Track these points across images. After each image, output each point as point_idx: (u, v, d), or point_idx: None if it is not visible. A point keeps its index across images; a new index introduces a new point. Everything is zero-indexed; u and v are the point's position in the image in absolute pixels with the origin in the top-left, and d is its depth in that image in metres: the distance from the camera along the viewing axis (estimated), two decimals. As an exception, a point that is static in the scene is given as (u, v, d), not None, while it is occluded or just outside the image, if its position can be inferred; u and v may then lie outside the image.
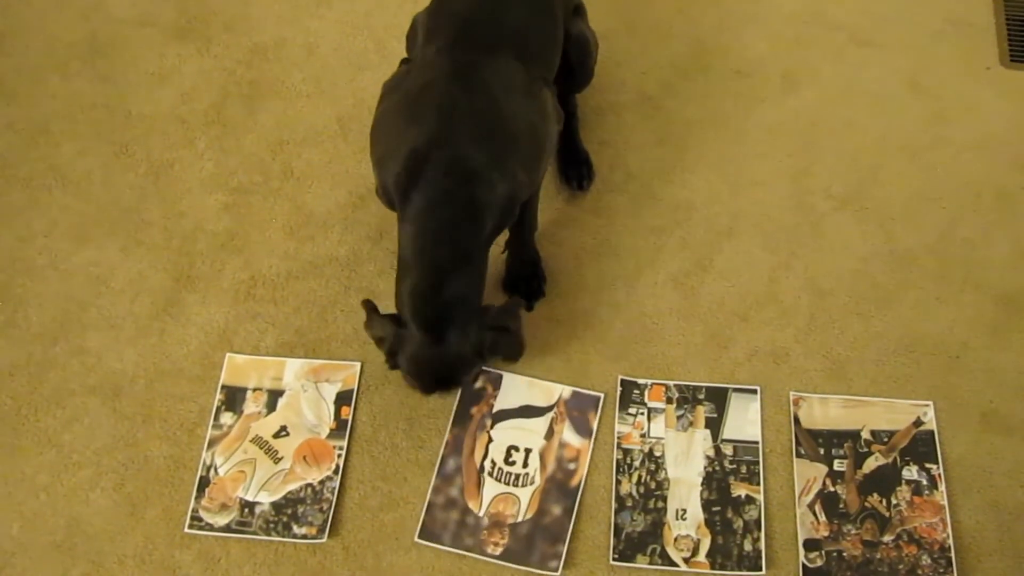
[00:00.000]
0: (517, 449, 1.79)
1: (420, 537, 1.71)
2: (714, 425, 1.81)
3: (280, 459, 1.78)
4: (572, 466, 1.77)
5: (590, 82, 2.06)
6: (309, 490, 1.75)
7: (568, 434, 1.80)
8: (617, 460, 1.77)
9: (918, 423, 1.81)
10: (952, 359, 1.87)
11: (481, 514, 1.73)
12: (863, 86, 2.21)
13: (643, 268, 1.99)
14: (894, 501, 1.73)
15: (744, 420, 1.82)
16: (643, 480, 1.76)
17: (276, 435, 1.81)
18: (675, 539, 1.70)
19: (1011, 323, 1.91)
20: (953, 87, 2.20)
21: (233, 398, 1.85)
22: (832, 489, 1.74)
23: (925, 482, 1.74)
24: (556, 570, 1.66)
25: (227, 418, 1.83)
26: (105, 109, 2.23)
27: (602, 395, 1.83)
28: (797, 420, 1.81)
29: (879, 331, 1.90)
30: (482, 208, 1.63)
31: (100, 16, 2.39)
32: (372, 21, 2.34)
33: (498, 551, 1.68)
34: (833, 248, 2.00)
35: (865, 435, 1.80)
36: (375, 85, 1.87)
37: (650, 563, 1.68)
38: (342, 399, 1.84)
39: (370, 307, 1.71)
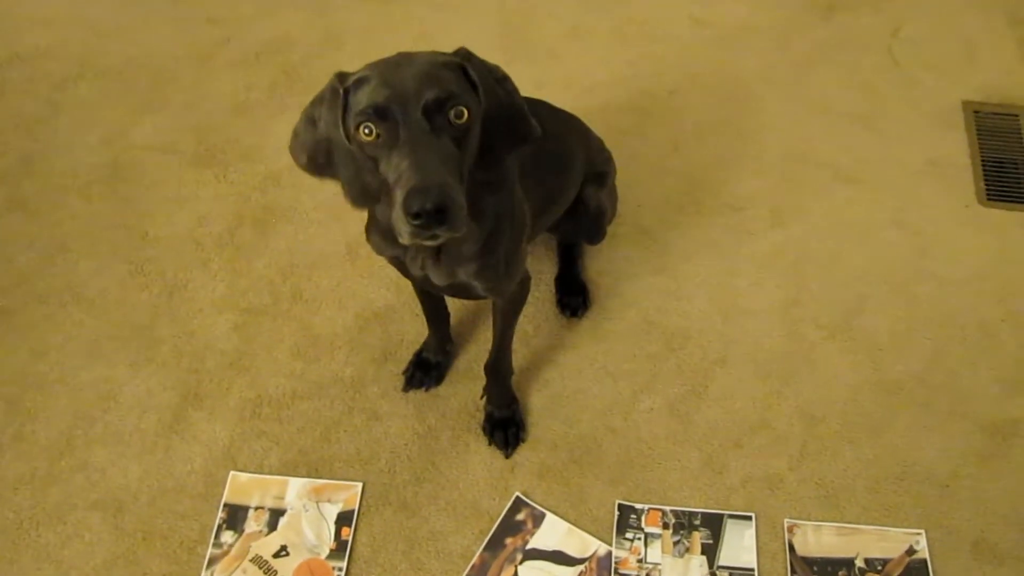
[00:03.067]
0: None
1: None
2: (710, 551, 1.83)
3: (279, 579, 1.80)
4: None
5: (599, 243, 2.19)
6: (307, 612, 1.75)
7: None
8: (614, 586, 1.79)
9: (911, 551, 1.83)
10: (942, 488, 1.91)
11: None
12: (848, 221, 2.32)
13: (640, 393, 2.04)
14: (890, 632, 1.74)
15: (740, 547, 1.84)
16: (640, 606, 1.77)
17: (276, 555, 1.82)
18: (672, 668, 1.70)
19: (998, 452, 1.95)
20: (934, 224, 2.31)
21: (235, 516, 1.87)
22: (828, 618, 1.75)
23: (920, 612, 1.76)
24: None
25: (228, 536, 1.84)
26: (123, 230, 2.32)
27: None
28: (792, 547, 1.83)
29: (870, 459, 1.94)
30: None
31: (123, 142, 2.52)
32: (382, 152, 2.46)
33: None
34: (823, 377, 2.06)
35: (859, 563, 1.82)
36: (385, 214, 1.97)
37: None
38: (343, 519, 1.86)
39: None
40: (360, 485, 1.91)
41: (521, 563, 1.82)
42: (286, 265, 2.26)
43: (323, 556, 1.82)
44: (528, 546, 1.84)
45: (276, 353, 2.11)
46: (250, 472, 1.93)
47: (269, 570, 1.80)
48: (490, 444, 1.97)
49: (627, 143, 2.46)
